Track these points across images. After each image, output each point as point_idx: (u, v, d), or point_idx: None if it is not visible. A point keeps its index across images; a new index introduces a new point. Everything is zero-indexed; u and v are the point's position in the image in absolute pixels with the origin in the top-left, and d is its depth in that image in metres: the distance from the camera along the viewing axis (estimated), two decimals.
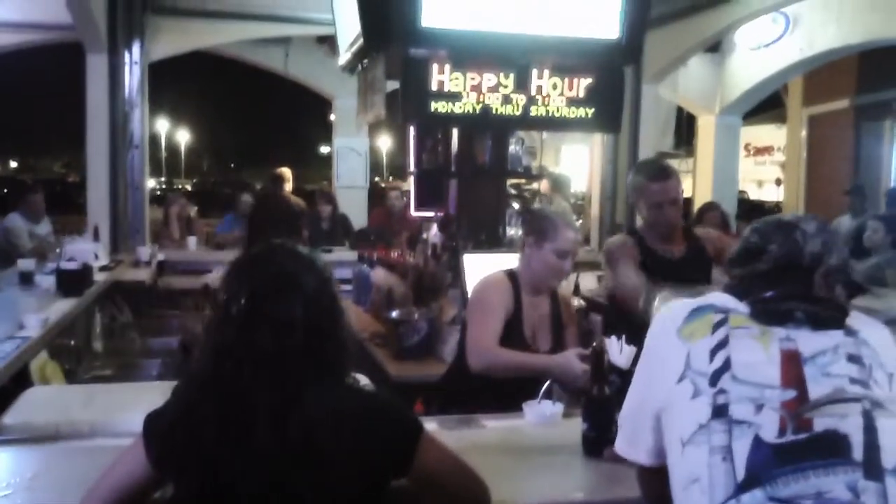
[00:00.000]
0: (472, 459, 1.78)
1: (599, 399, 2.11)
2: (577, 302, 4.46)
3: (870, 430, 1.41)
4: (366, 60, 4.75)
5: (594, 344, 2.33)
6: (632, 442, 1.64)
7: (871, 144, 10.00)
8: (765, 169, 16.31)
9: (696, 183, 10.15)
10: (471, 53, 4.13)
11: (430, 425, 2.29)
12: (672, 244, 3.33)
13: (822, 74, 9.89)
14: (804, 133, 10.91)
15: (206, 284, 4.94)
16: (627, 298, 3.07)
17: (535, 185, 10.28)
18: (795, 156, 11.13)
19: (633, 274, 3.16)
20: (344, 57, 5.15)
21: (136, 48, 7.49)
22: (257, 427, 1.52)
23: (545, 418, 2.36)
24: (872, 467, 1.38)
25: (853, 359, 1.48)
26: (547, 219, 2.95)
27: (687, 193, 11.19)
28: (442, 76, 4.06)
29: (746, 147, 15.18)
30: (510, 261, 4.27)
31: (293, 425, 1.52)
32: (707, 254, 3.35)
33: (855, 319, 1.56)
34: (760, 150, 16.23)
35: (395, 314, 3.97)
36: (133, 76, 7.47)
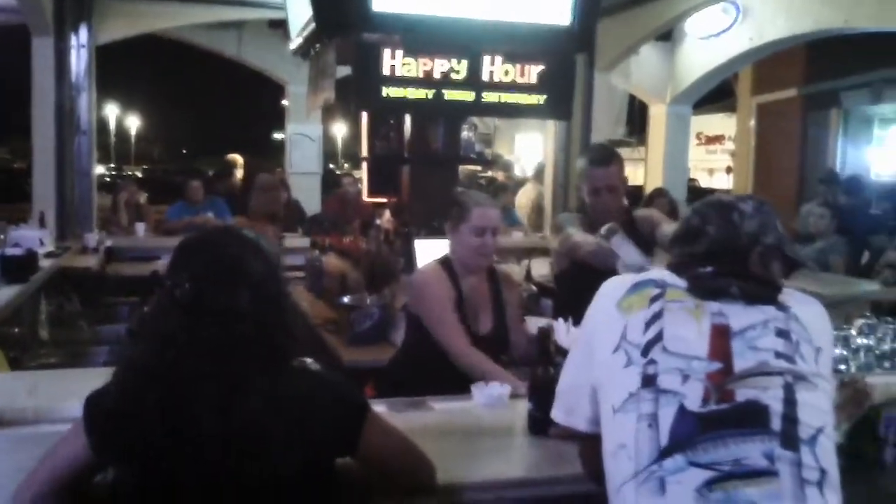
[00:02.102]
0: (421, 441, 1.80)
1: (545, 379, 2.14)
2: (529, 287, 4.52)
3: (789, 403, 1.47)
4: (317, 45, 4.72)
5: (541, 325, 2.37)
6: (570, 410, 1.70)
7: (817, 133, 10.22)
8: (716, 157, 16.59)
9: (648, 171, 10.28)
10: (423, 39, 4.14)
11: (379, 408, 2.29)
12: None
13: (770, 64, 10.06)
14: (753, 122, 11.10)
15: (156, 271, 4.88)
16: (587, 258, 3.11)
17: (491, 173, 10.34)
18: (745, 144, 11.33)
19: (587, 236, 3.21)
20: (295, 42, 5.12)
21: (83, 31, 7.33)
22: (201, 415, 1.51)
23: (493, 399, 2.39)
24: (789, 437, 1.44)
25: (781, 333, 1.54)
26: (458, 202, 2.96)
27: (638, 181, 11.35)
28: (394, 62, 4.07)
29: (698, 136, 15.42)
30: None
31: (238, 412, 1.51)
32: (644, 238, 3.35)
33: (788, 296, 1.61)
34: (712, 139, 16.49)
35: (347, 300, 3.97)
36: (80, 60, 7.31)
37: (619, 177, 3.31)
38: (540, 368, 2.19)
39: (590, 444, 1.67)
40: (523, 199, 8.57)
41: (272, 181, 3.95)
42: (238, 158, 7.96)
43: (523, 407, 2.23)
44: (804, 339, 1.56)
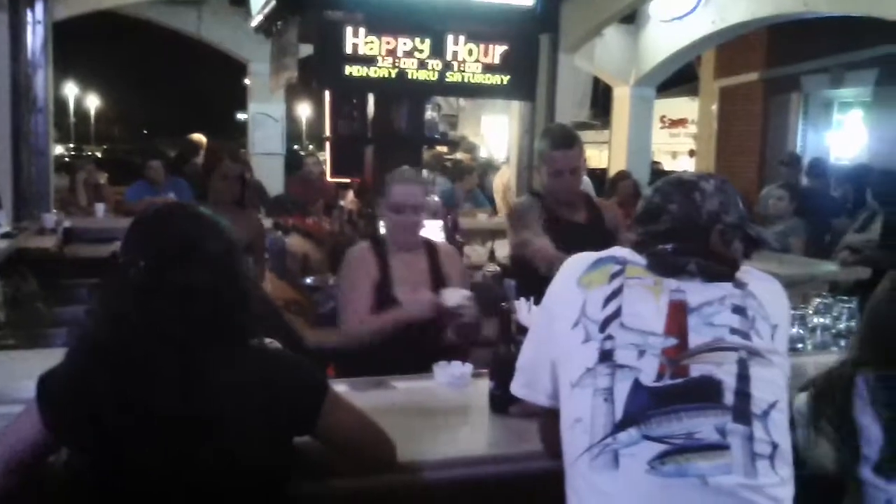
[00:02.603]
0: (383, 420, 1.80)
1: (506, 358, 2.14)
2: (492, 267, 4.53)
3: (743, 378, 1.49)
4: (279, 23, 4.66)
5: (502, 304, 2.37)
6: (529, 385, 1.71)
7: (778, 116, 10.34)
8: (679, 140, 16.71)
9: (612, 154, 10.33)
10: (386, 17, 4.10)
11: (340, 387, 2.29)
12: (574, 210, 3.35)
13: (733, 48, 10.15)
14: (716, 105, 11.20)
15: (115, 253, 4.77)
16: (535, 257, 3.10)
17: (459, 155, 10.32)
18: (707, 127, 11.43)
19: (537, 235, 3.19)
20: (256, 19, 5.05)
21: (38, 6, 7.14)
22: (155, 396, 1.49)
23: (455, 379, 2.39)
24: (741, 412, 1.47)
25: (738, 310, 1.56)
26: (383, 181, 3.00)
27: (602, 164, 11.42)
28: (357, 40, 4.03)
29: (662, 119, 15.52)
30: (428, 228, 4.30)
31: (194, 393, 1.49)
32: (605, 223, 3.37)
33: (746, 273, 1.63)
34: (675, 123, 16.60)
35: (310, 281, 3.95)
36: (36, 36, 7.13)
37: (580, 159, 3.27)
38: (501, 347, 2.20)
39: (549, 420, 1.68)
40: (498, 182, 8.57)
41: (235, 169, 3.89)
42: (202, 139, 7.85)
43: (485, 386, 2.24)
44: (760, 316, 1.58)
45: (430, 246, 3.06)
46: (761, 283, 1.64)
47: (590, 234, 3.22)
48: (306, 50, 4.69)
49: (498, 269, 4.39)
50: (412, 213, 2.90)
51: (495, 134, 12.76)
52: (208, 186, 3.64)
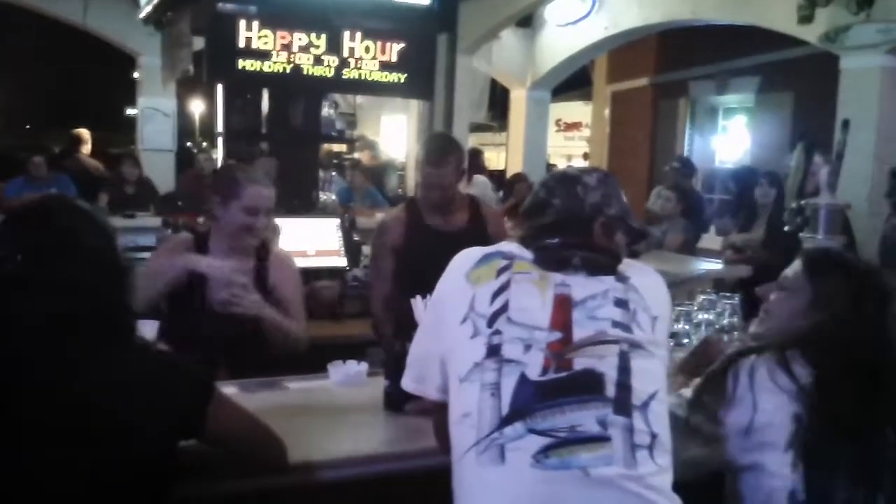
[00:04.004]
0: (276, 421, 1.77)
1: (401, 356, 2.12)
2: None
3: (624, 370, 1.53)
4: (169, 14, 4.52)
5: (401, 302, 2.36)
6: (420, 379, 1.71)
7: (667, 121, 10.68)
8: (574, 144, 17.05)
9: (509, 155, 10.47)
10: (281, 11, 4.03)
11: (231, 389, 2.24)
12: (449, 217, 3.31)
13: (625, 54, 10.43)
14: (608, 110, 11.49)
15: None
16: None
17: (356, 155, 10.25)
18: (600, 130, 11.72)
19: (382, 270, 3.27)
20: (145, 10, 4.88)
21: None
22: (28, 400, 1.41)
23: (349, 377, 2.37)
24: (622, 404, 1.50)
25: (620, 303, 1.59)
26: (232, 177, 2.76)
27: (500, 165, 11.54)
28: (250, 34, 3.94)
29: (558, 122, 15.80)
30: (324, 226, 4.24)
31: (72, 396, 1.42)
32: (487, 230, 3.32)
33: (628, 266, 1.67)
34: (570, 126, 16.93)
35: None
36: None
37: (454, 175, 3.22)
38: (396, 345, 2.18)
39: (442, 415, 1.68)
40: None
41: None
42: (84, 133, 7.53)
43: (381, 384, 2.22)
44: (641, 308, 1.61)
45: (259, 249, 2.84)
46: (643, 277, 1.68)
47: (460, 241, 3.14)
48: (200, 42, 4.56)
49: None
50: (263, 216, 2.74)
51: (395, 134, 12.74)
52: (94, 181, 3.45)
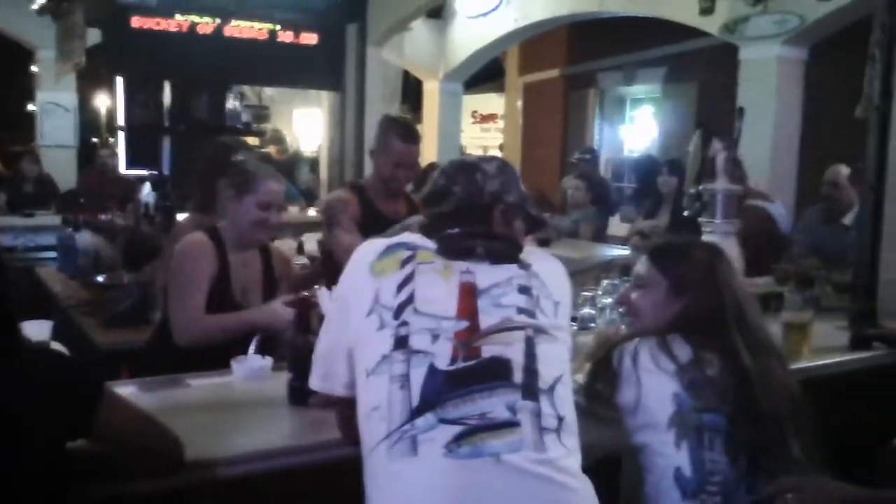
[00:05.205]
0: (176, 419, 1.74)
1: (305, 348, 2.10)
2: (301, 261, 4.44)
3: (530, 356, 1.55)
4: (64, 4, 4.35)
5: (302, 293, 2.33)
6: (326, 376, 1.69)
7: (577, 111, 10.86)
8: (490, 135, 17.16)
9: (423, 147, 10.45)
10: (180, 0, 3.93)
11: (130, 388, 2.19)
12: (395, 203, 3.36)
13: (536, 46, 10.55)
14: (520, 101, 11.61)
15: None
16: (343, 257, 3.06)
17: (269, 150, 10.09)
18: (513, 121, 11.83)
19: (350, 233, 3.17)
20: (38, 1, 4.69)
21: None
22: None
23: (254, 373, 2.32)
24: (529, 388, 1.52)
25: (523, 290, 1.61)
26: (247, 171, 2.83)
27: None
28: (147, 23, 3.82)
29: (473, 114, 15.87)
30: None
31: None
32: None
33: (529, 254, 1.69)
34: (486, 118, 17.02)
35: (102, 279, 3.74)
36: None
37: (418, 155, 3.38)
38: (299, 337, 2.16)
39: (346, 409, 1.66)
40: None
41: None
42: None
43: (285, 378, 2.18)
44: (544, 295, 1.64)
45: (263, 246, 2.93)
46: (544, 264, 1.70)
47: None
48: (96, 35, 4.40)
49: (307, 262, 4.32)
50: (276, 212, 2.79)
51: (308, 127, 12.60)
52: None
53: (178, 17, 3.88)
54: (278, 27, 4.22)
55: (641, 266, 2.03)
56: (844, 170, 4.51)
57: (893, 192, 3.24)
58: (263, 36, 4.20)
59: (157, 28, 3.84)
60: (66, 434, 1.50)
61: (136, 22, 3.77)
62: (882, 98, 3.17)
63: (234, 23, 4.06)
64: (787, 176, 5.79)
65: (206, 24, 3.97)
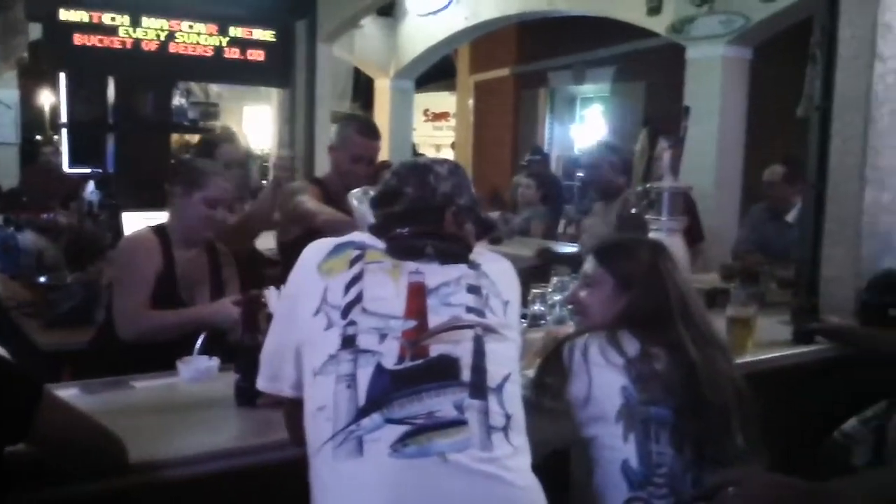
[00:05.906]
0: (119, 420, 1.71)
1: (252, 348, 2.07)
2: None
3: (479, 354, 1.55)
4: None
5: (249, 292, 2.30)
6: (273, 377, 1.67)
7: (528, 110, 10.95)
8: (443, 133, 17.18)
9: None
10: None
11: (72, 391, 2.14)
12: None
13: (486, 44, 10.59)
14: (472, 100, 11.65)
15: None
16: (326, 223, 3.04)
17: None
18: (465, 120, 11.87)
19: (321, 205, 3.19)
20: None
21: None
22: None
23: (200, 374, 2.29)
24: (477, 387, 1.52)
25: (472, 289, 1.61)
26: (196, 168, 2.82)
27: None
28: (90, 18, 3.74)
29: (426, 113, 15.88)
30: None
31: None
32: None
33: (478, 254, 1.70)
34: (438, 116, 17.04)
35: (44, 280, 3.65)
36: None
37: (378, 151, 3.42)
38: (247, 337, 2.13)
39: (293, 409, 1.65)
40: None
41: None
42: None
43: (232, 379, 2.15)
44: (493, 294, 1.64)
45: (210, 244, 2.89)
46: (493, 263, 1.71)
47: None
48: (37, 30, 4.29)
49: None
50: (223, 209, 2.76)
51: (258, 124, 12.47)
52: None
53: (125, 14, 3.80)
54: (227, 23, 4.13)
55: (589, 265, 2.06)
56: (779, 169, 4.61)
57: (834, 190, 3.31)
58: (212, 31, 4.13)
59: (102, 23, 3.75)
60: (3, 438, 1.46)
61: (78, 16, 3.67)
62: (822, 98, 3.25)
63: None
64: (733, 173, 5.89)
65: (152, 21, 3.88)
